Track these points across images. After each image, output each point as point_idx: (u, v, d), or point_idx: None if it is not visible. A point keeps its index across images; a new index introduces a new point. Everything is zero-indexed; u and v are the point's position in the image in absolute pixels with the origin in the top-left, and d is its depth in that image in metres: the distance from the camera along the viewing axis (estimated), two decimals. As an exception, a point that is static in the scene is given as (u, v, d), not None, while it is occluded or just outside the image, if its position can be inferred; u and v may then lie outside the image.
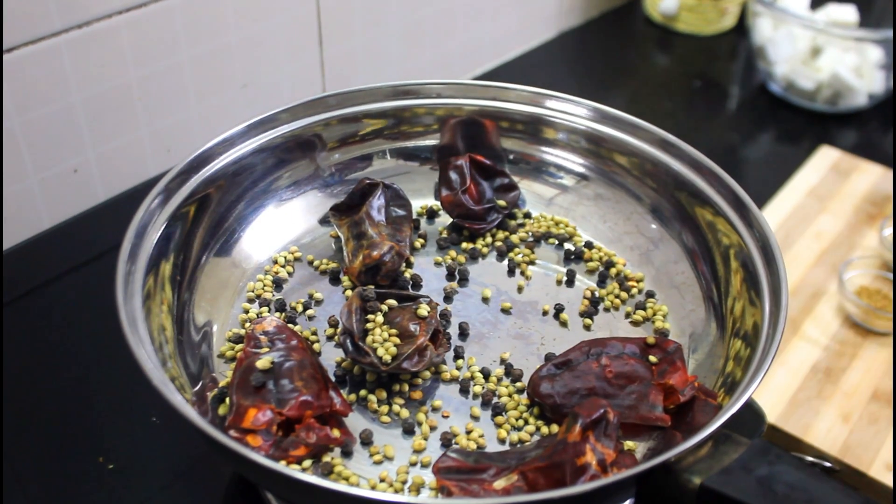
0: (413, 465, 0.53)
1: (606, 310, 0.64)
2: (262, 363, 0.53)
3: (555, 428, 0.55)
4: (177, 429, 0.63)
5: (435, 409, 0.56)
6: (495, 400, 0.56)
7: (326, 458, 0.52)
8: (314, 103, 0.68)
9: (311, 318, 0.62)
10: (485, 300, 0.64)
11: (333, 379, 0.57)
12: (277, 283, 0.64)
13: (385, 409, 0.56)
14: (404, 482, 0.51)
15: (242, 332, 0.60)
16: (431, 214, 0.71)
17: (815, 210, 0.95)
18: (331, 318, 0.62)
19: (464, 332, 0.61)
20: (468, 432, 0.55)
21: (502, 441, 0.54)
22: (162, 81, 0.83)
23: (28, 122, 0.75)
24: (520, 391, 0.57)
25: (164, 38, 0.81)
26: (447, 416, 0.56)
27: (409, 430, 0.54)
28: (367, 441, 0.53)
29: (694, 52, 1.24)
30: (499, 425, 0.55)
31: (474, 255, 0.68)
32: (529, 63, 1.16)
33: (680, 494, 0.45)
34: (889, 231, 0.89)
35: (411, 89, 0.71)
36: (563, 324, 0.63)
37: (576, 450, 0.48)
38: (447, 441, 0.54)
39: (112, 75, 0.79)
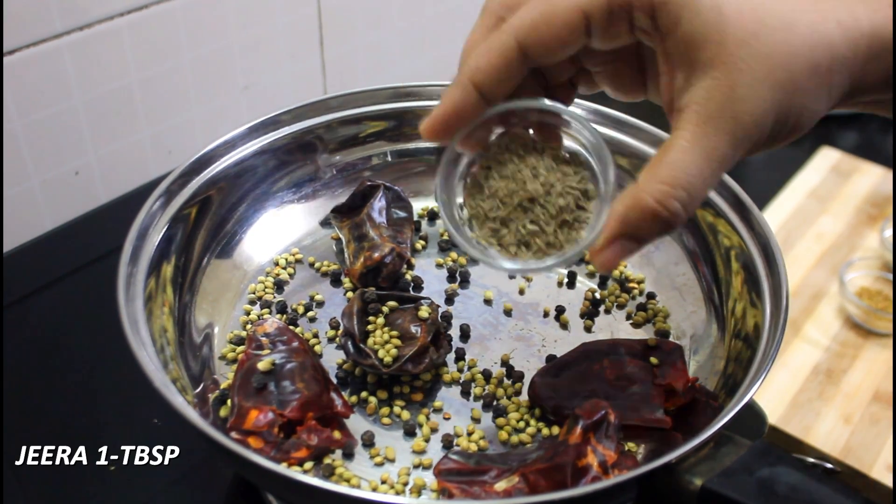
0: (415, 466, 0.53)
1: (607, 311, 0.64)
2: (264, 365, 0.53)
3: (556, 429, 0.55)
4: (178, 431, 0.63)
5: (436, 411, 0.56)
6: (496, 402, 0.56)
7: (328, 460, 0.52)
8: (315, 105, 0.68)
9: (312, 319, 0.62)
10: (486, 302, 0.64)
11: (335, 381, 0.57)
12: (278, 285, 0.64)
13: (386, 410, 0.56)
14: (405, 484, 0.51)
15: (244, 333, 0.60)
16: (433, 216, 0.71)
17: (816, 211, 0.95)
18: (332, 320, 0.62)
19: (465, 334, 0.61)
20: (469, 434, 0.55)
21: (503, 443, 0.54)
22: (163, 83, 0.83)
23: (29, 125, 0.75)
24: (521, 393, 0.57)
25: (166, 41, 0.81)
26: (448, 418, 0.56)
27: (410, 432, 0.54)
28: (368, 443, 0.53)
29: (694, 53, 1.24)
30: (500, 427, 0.55)
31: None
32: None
33: (681, 496, 0.45)
34: (890, 232, 0.89)
35: (412, 91, 0.71)
36: (564, 325, 0.63)
37: (577, 451, 0.48)
38: (448, 443, 0.54)
39: (113, 77, 0.79)
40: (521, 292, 0.65)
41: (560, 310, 0.63)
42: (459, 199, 0.47)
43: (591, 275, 0.67)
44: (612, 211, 0.40)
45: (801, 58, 0.38)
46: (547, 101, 0.44)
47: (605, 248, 0.40)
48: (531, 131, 0.46)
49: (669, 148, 0.39)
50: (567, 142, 0.46)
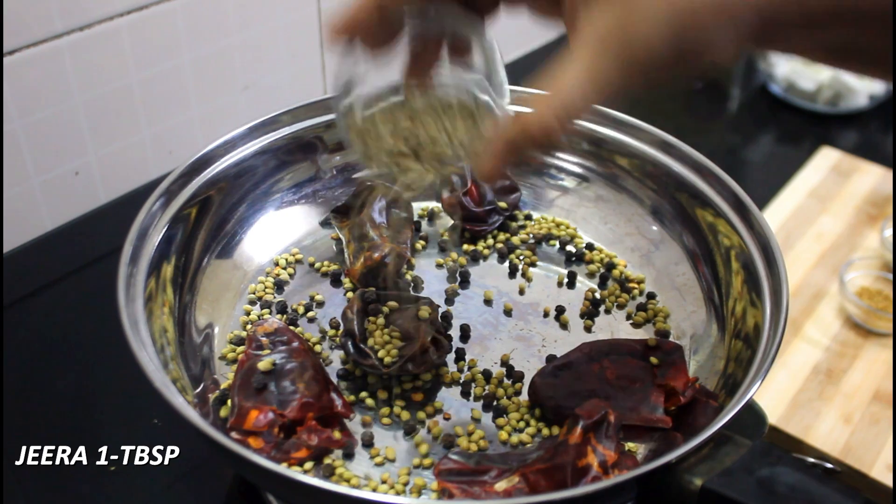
0: (415, 466, 0.53)
1: (607, 311, 0.64)
2: (264, 365, 0.53)
3: (556, 430, 0.55)
4: (178, 431, 0.63)
5: (436, 411, 0.56)
6: (496, 402, 0.56)
7: (328, 460, 0.52)
8: (315, 105, 0.68)
9: (312, 319, 0.62)
10: (486, 302, 0.64)
11: (335, 381, 0.57)
12: (279, 285, 0.64)
13: (386, 410, 0.56)
14: (405, 484, 0.51)
15: (244, 333, 0.60)
16: (432, 216, 0.72)
17: (816, 211, 0.95)
18: (332, 320, 0.62)
19: (465, 334, 0.61)
20: (469, 434, 0.55)
21: (503, 443, 0.54)
22: (163, 83, 0.83)
23: (29, 125, 0.75)
24: (521, 393, 0.57)
25: (166, 41, 0.81)
26: (448, 418, 0.56)
27: (410, 432, 0.54)
28: (368, 443, 0.53)
29: (694, 53, 1.24)
30: (500, 427, 0.55)
31: (475, 257, 0.68)
32: (530, 64, 1.16)
33: (681, 496, 0.45)
34: (890, 232, 0.89)
35: (412, 91, 0.71)
36: (564, 325, 0.63)
37: (577, 451, 0.48)
38: (448, 443, 0.54)
39: (113, 77, 0.79)
40: (521, 292, 0.65)
41: (560, 310, 0.63)
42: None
43: (590, 275, 0.67)
44: (494, 121, 0.41)
45: None
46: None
47: (485, 156, 0.41)
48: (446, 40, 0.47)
49: (559, 67, 0.39)
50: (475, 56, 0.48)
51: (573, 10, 0.40)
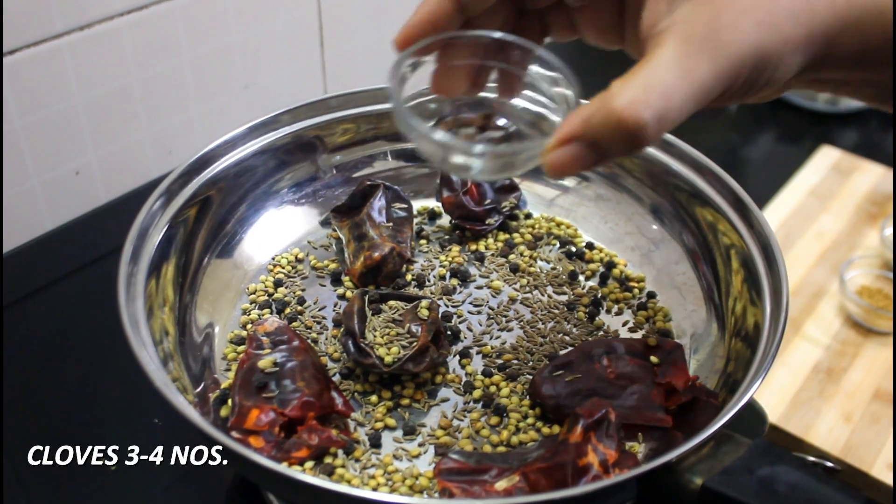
0: (415, 466, 0.53)
1: (607, 310, 0.64)
2: (265, 364, 0.53)
3: (556, 429, 0.55)
4: (179, 430, 0.63)
5: (436, 411, 0.56)
6: (496, 401, 0.57)
7: (328, 460, 0.52)
8: (315, 105, 0.68)
9: (312, 319, 0.62)
10: (486, 301, 0.64)
11: (335, 380, 0.57)
12: (279, 285, 0.64)
13: (385, 409, 0.56)
14: (406, 484, 0.51)
15: (244, 333, 0.60)
16: (432, 215, 0.72)
17: (816, 210, 0.95)
18: (332, 319, 0.62)
19: (465, 333, 0.61)
20: (470, 433, 0.55)
21: (504, 442, 0.54)
22: (163, 83, 0.83)
23: (29, 125, 0.75)
24: (521, 392, 0.57)
25: (166, 40, 0.81)
26: (448, 417, 0.56)
27: (410, 432, 0.54)
28: (368, 442, 0.53)
29: (694, 52, 1.24)
30: (500, 426, 0.55)
31: (475, 256, 0.68)
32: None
33: (681, 495, 0.45)
34: (890, 231, 0.89)
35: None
36: (565, 324, 0.63)
37: (577, 450, 0.48)
38: (448, 442, 0.54)
39: (113, 77, 0.79)
40: (521, 291, 0.65)
41: (561, 308, 0.63)
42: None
43: (591, 274, 0.67)
44: (573, 113, 0.36)
45: (781, 4, 0.36)
46: (517, 38, 0.44)
47: (556, 147, 0.36)
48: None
49: (647, 62, 0.35)
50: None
51: (654, 11, 0.38)
